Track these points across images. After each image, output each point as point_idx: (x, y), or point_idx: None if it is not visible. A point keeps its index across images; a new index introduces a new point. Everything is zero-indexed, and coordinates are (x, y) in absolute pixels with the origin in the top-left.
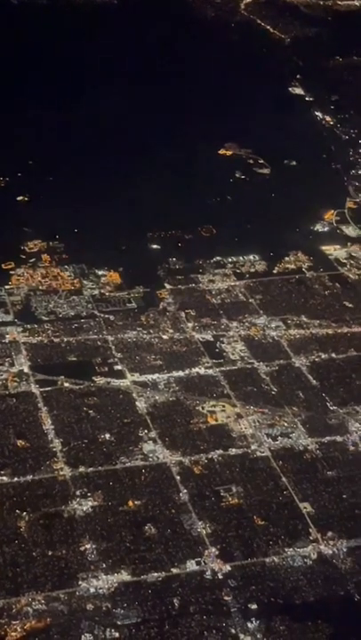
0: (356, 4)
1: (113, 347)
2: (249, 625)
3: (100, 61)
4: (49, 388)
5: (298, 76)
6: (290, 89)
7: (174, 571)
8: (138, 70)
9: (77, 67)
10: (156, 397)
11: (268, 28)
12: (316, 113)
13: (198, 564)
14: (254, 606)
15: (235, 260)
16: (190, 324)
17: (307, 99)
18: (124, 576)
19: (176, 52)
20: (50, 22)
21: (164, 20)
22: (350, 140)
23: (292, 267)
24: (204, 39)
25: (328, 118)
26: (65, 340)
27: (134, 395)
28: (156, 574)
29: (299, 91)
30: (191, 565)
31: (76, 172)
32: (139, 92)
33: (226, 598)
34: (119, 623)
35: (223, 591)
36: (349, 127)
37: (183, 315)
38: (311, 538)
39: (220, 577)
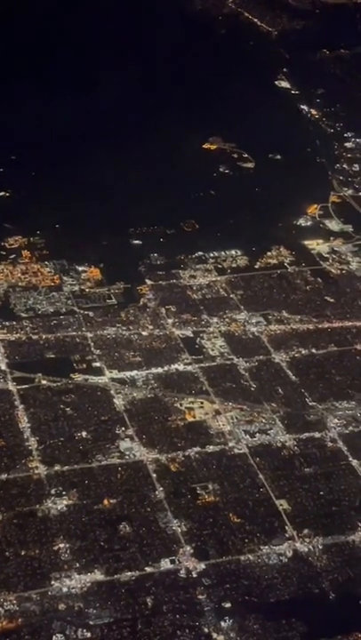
0: None
1: (92, 343)
2: (222, 624)
3: (83, 56)
4: (26, 386)
5: (284, 70)
6: (276, 82)
7: (148, 570)
8: (122, 64)
9: (61, 61)
10: (135, 394)
11: (256, 20)
12: (302, 106)
13: (173, 562)
14: (228, 605)
15: (216, 255)
16: (170, 321)
17: (292, 92)
18: (98, 575)
19: (161, 44)
20: (34, 12)
21: (150, 12)
22: (335, 134)
23: (274, 262)
24: (190, 32)
25: (314, 112)
26: (43, 336)
27: (112, 392)
28: (129, 573)
29: (285, 84)
30: (165, 564)
31: (58, 168)
32: (122, 86)
33: (200, 597)
34: (91, 623)
35: (197, 590)
36: (335, 121)
37: (163, 311)
38: (287, 535)
39: (195, 575)
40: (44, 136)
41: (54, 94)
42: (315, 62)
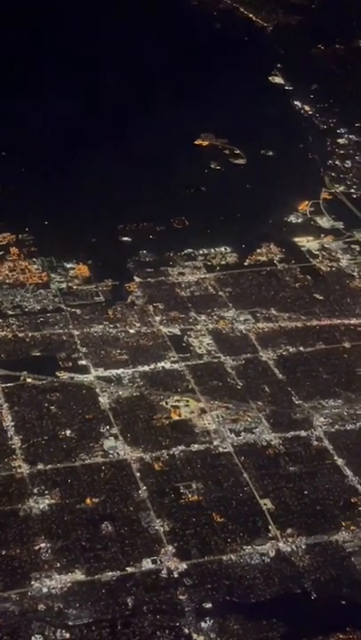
0: None
1: (78, 341)
2: (202, 624)
3: (74, 52)
4: (11, 384)
5: (278, 65)
6: (270, 78)
7: (129, 570)
8: (114, 59)
9: (51, 55)
10: (120, 393)
11: (251, 16)
12: (296, 102)
13: (154, 562)
14: (209, 605)
15: (206, 252)
16: (158, 318)
17: (286, 88)
18: (78, 575)
19: (155, 40)
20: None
21: (145, 7)
22: (328, 130)
23: (264, 259)
24: (184, 27)
25: (307, 108)
26: (30, 334)
27: (98, 390)
28: (110, 573)
29: (278, 80)
30: (147, 564)
31: (48, 165)
32: (113, 81)
33: (180, 597)
34: (71, 624)
35: (178, 590)
36: (328, 117)
37: (151, 308)
38: (270, 535)
39: (176, 576)
40: (34, 133)
41: (43, 92)
42: (309, 58)
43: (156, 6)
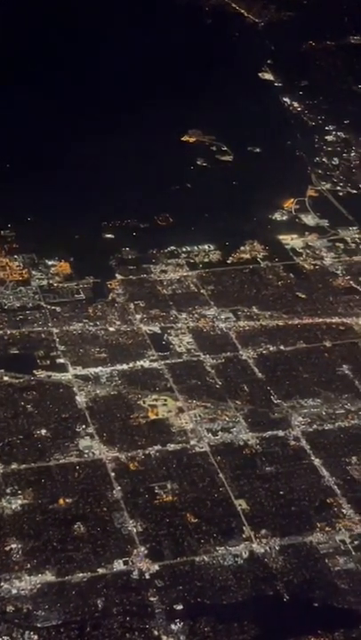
0: None
1: (57, 339)
2: (173, 626)
3: (59, 43)
4: None
5: (269, 61)
6: (259, 74)
7: (100, 571)
8: (101, 54)
9: (37, 52)
10: (97, 391)
11: (243, 11)
12: (285, 99)
13: (126, 563)
14: (180, 607)
15: (189, 249)
16: (138, 316)
17: (276, 84)
18: (49, 577)
19: (144, 35)
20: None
21: (136, 1)
22: (317, 127)
23: (247, 256)
24: (175, 23)
25: (296, 104)
26: (8, 332)
27: (75, 389)
28: (81, 574)
29: (268, 76)
30: (118, 565)
31: (31, 160)
32: (100, 76)
33: (151, 599)
34: (39, 625)
35: (149, 592)
36: (317, 113)
37: (132, 306)
38: (244, 536)
39: (147, 577)
40: (17, 129)
41: (27, 87)
42: (300, 54)
43: (147, 1)
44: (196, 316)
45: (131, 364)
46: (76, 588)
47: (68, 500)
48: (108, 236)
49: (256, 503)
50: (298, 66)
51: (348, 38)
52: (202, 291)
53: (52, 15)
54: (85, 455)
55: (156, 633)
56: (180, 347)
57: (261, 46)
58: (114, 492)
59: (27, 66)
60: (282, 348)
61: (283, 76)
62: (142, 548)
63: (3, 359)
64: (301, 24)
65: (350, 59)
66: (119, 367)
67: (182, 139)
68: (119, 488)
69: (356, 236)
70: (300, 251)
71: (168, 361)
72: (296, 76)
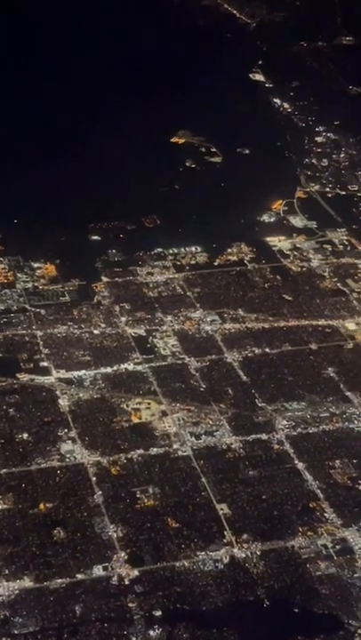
0: None
1: (41, 342)
2: (151, 633)
3: (46, 43)
4: None
5: (260, 62)
6: (250, 75)
7: (79, 576)
8: (91, 53)
9: (22, 50)
10: (81, 395)
11: (235, 12)
12: (275, 100)
13: (105, 569)
14: (159, 613)
15: (176, 251)
16: (124, 319)
17: (266, 85)
18: (27, 582)
19: (135, 36)
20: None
21: (128, 2)
22: (307, 128)
23: (234, 258)
24: (167, 24)
25: (286, 105)
26: None
27: (58, 392)
28: (60, 580)
29: (259, 77)
30: (98, 571)
31: (17, 162)
32: (89, 76)
33: (130, 605)
34: (16, 632)
35: (128, 598)
36: (307, 114)
37: (117, 309)
38: (225, 541)
39: (127, 583)
40: (2, 131)
41: (14, 86)
42: (292, 54)
43: (139, 2)
44: (181, 318)
45: (115, 367)
46: (55, 594)
47: (48, 505)
48: (95, 237)
49: (238, 508)
50: (289, 67)
51: (340, 39)
52: (188, 293)
53: (38, 13)
54: (67, 459)
55: (134, 639)
56: (164, 349)
57: (253, 47)
58: (95, 496)
59: (11, 66)
60: (267, 350)
61: (274, 76)
62: (122, 554)
63: None
64: (293, 25)
65: (342, 59)
66: (103, 370)
67: (172, 140)
68: (100, 493)
69: (344, 237)
70: (288, 252)
71: (152, 364)
72: (287, 76)
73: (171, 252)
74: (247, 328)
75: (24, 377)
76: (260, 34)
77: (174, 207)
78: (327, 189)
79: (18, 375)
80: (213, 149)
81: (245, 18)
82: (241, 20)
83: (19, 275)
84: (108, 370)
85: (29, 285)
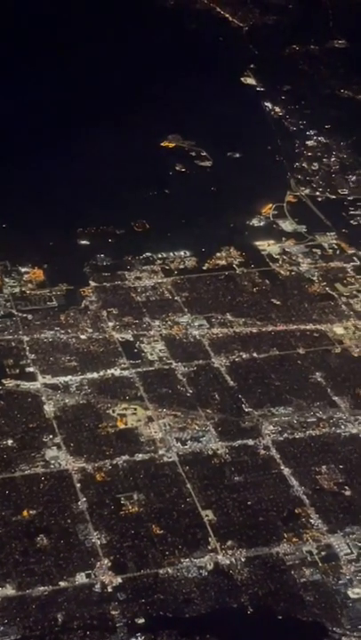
0: None
1: (27, 347)
2: None
3: (39, 47)
4: None
5: (251, 66)
6: (242, 79)
7: (62, 584)
8: (84, 56)
9: (15, 53)
10: (66, 400)
11: (227, 16)
12: (266, 103)
13: (88, 576)
14: (141, 620)
15: (165, 256)
16: (111, 324)
17: (258, 89)
18: (9, 590)
19: (127, 40)
20: None
21: (121, 6)
22: (298, 132)
23: (223, 263)
24: (159, 27)
25: (277, 109)
26: None
27: (43, 398)
28: (42, 588)
29: (251, 80)
30: (81, 578)
31: (6, 166)
32: (80, 80)
33: (113, 612)
34: None
35: (111, 605)
36: (298, 118)
37: (105, 313)
38: (210, 547)
39: (110, 590)
40: None
41: (5, 91)
42: (283, 58)
43: (132, 6)
44: (169, 323)
45: (101, 373)
46: (37, 602)
47: (32, 512)
48: (84, 242)
49: (223, 514)
50: (281, 70)
51: (332, 42)
52: (176, 297)
53: (31, 17)
54: (51, 466)
55: None
56: (151, 354)
57: (245, 51)
58: (79, 503)
59: (3, 69)
60: (255, 355)
61: (265, 80)
62: (106, 561)
63: None
64: (285, 28)
65: (334, 63)
66: (89, 376)
67: (162, 144)
68: (84, 499)
69: (334, 241)
70: (277, 257)
71: (139, 369)
72: (279, 80)
73: (159, 256)
74: (235, 333)
75: (9, 383)
76: (252, 37)
77: (164, 211)
78: (317, 193)
79: (3, 381)
80: (204, 153)
81: (238, 21)
82: (233, 24)
83: (6, 279)
84: (95, 375)
85: (17, 290)
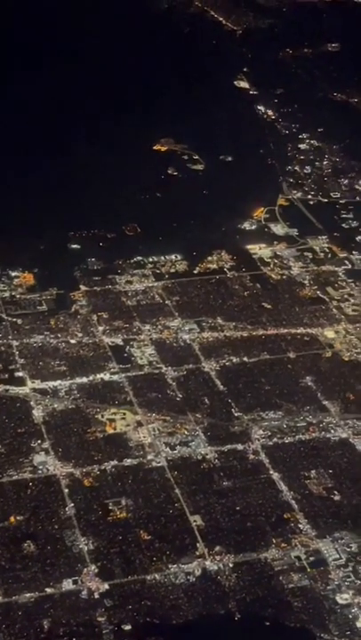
0: None
1: (17, 352)
2: None
3: (31, 49)
4: None
5: (245, 69)
6: (235, 82)
7: (49, 590)
8: (76, 60)
9: (7, 58)
10: (55, 405)
11: (221, 19)
12: (259, 107)
13: (75, 582)
14: (128, 627)
15: (156, 260)
16: (101, 328)
17: (251, 92)
18: None
19: (120, 43)
20: None
21: (114, 10)
22: (290, 135)
23: (214, 267)
24: (152, 31)
25: (270, 112)
26: None
27: (32, 403)
28: (28, 595)
29: (244, 84)
30: (67, 585)
31: None
32: (72, 83)
33: (99, 619)
34: None
35: (97, 611)
36: (291, 122)
37: (95, 317)
38: (198, 553)
39: (97, 596)
40: None
41: None
42: (277, 61)
43: (125, 10)
44: (159, 327)
45: (91, 377)
46: (23, 609)
47: (19, 518)
48: (75, 246)
49: (211, 519)
50: (274, 74)
51: (326, 46)
52: (167, 302)
53: (23, 21)
54: (39, 471)
55: None
56: (141, 359)
57: (238, 54)
58: (67, 508)
59: None
60: (245, 359)
61: (258, 83)
62: (93, 567)
63: None
64: (279, 32)
65: (327, 66)
66: (79, 380)
67: (154, 147)
68: (72, 505)
69: (325, 245)
70: (268, 260)
71: (129, 373)
72: (272, 83)
73: (150, 260)
74: (226, 337)
75: None
76: (245, 41)
77: (155, 215)
78: (309, 197)
79: None
80: (196, 157)
81: (232, 25)
82: (227, 27)
83: None
84: (84, 380)
85: (7, 295)
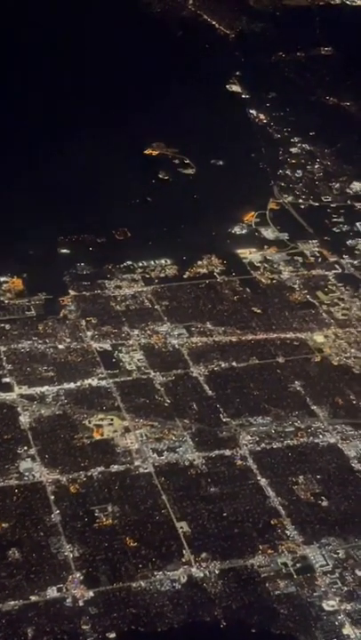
0: None
1: (4, 358)
2: None
3: (25, 52)
4: None
5: (237, 73)
6: (227, 86)
7: (33, 598)
8: (69, 62)
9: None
10: (42, 411)
11: (214, 23)
12: (251, 111)
13: (60, 590)
14: (112, 635)
15: (145, 264)
16: (90, 333)
17: (243, 96)
18: None
19: (112, 46)
20: None
21: (106, 12)
22: (282, 139)
23: (204, 271)
24: (144, 35)
25: (262, 116)
26: None
27: (19, 409)
28: (12, 602)
29: (236, 88)
30: (52, 592)
31: None
32: (63, 85)
33: (83, 627)
34: None
35: (82, 619)
36: (283, 125)
37: (84, 323)
38: (184, 560)
39: (81, 604)
40: None
41: None
42: (269, 65)
43: (117, 12)
44: (148, 332)
45: (78, 383)
46: (7, 617)
47: (4, 525)
48: (64, 251)
49: (198, 525)
50: (267, 77)
51: (319, 50)
52: (156, 306)
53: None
54: (25, 478)
55: None
56: (130, 364)
57: (231, 58)
58: (52, 515)
59: None
60: (234, 364)
61: (251, 87)
62: (78, 574)
63: None
64: (272, 35)
65: (320, 70)
66: (66, 386)
67: (145, 151)
68: (58, 512)
69: (316, 249)
70: (258, 265)
71: (117, 379)
72: (264, 87)
73: (140, 264)
74: (215, 342)
75: None
76: (238, 44)
77: (146, 219)
78: (300, 201)
79: None
80: (187, 161)
81: (224, 28)
82: (220, 31)
83: None
84: (72, 385)
85: None
